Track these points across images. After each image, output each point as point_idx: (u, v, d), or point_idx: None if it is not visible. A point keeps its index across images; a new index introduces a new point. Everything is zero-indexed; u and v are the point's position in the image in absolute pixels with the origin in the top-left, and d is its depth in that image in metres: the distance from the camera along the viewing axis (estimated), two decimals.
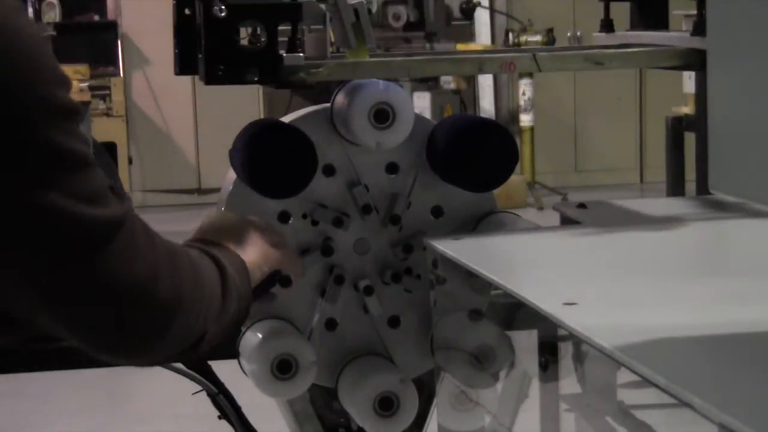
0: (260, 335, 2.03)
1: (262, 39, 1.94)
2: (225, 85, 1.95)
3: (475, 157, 2.02)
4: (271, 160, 1.99)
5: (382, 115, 1.99)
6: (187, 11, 1.98)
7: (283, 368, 1.99)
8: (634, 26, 2.41)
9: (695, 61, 2.08)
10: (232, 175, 2.10)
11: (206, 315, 1.44)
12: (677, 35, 2.18)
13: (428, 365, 2.10)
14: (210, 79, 1.92)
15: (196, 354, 1.46)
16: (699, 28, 2.09)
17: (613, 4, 2.40)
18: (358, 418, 2.03)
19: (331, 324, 2.10)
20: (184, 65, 2.02)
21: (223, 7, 1.89)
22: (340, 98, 2.04)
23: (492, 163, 2.03)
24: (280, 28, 1.97)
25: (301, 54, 1.97)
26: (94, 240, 1.28)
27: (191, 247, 1.56)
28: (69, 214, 1.26)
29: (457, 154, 2.02)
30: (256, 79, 1.94)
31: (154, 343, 1.37)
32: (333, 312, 2.10)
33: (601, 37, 2.41)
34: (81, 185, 1.27)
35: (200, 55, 1.95)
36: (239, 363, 2.07)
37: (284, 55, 1.95)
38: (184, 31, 1.99)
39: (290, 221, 2.07)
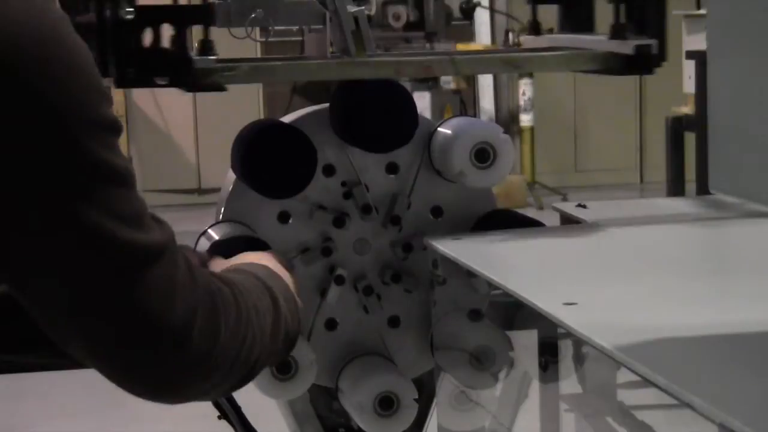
0: None
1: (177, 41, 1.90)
2: (136, 87, 1.92)
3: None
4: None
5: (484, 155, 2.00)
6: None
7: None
8: (561, 29, 2.39)
9: (614, 65, 2.07)
10: (232, 175, 2.10)
11: (253, 350, 1.36)
12: (599, 39, 2.17)
13: (428, 365, 2.11)
14: (121, 82, 1.89)
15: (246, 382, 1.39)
16: (617, 32, 2.08)
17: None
18: (358, 418, 2.03)
19: (331, 324, 2.10)
20: (102, 68, 1.99)
21: (130, 9, 1.86)
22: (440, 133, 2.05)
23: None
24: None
25: (214, 57, 1.93)
26: (132, 265, 1.22)
27: (240, 272, 1.48)
28: (108, 232, 1.20)
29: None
30: (167, 81, 1.90)
31: (181, 387, 1.30)
32: (333, 312, 2.10)
33: (529, 40, 2.40)
34: (122, 204, 1.22)
35: (111, 58, 1.91)
36: None
37: (194, 57, 1.92)
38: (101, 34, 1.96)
39: (290, 221, 2.07)
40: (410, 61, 2.04)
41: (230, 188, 2.08)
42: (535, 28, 2.40)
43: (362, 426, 2.04)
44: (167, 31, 1.92)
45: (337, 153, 2.08)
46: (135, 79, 1.89)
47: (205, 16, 1.94)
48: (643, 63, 2.03)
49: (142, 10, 1.88)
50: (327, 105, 2.09)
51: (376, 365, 2.09)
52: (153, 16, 1.90)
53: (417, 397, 2.03)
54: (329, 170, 2.08)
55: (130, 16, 1.87)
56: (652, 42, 2.02)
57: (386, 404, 2.01)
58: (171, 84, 1.91)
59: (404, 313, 2.12)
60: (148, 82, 1.90)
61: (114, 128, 1.24)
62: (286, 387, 2.00)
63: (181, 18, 1.92)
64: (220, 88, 1.95)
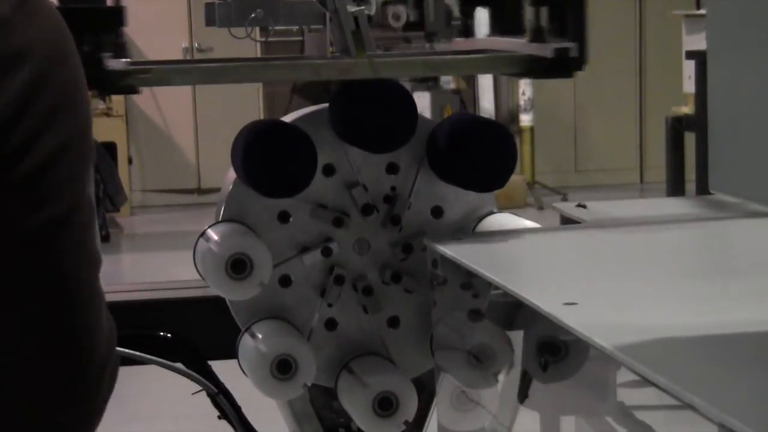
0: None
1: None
2: None
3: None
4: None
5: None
6: None
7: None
8: (492, 31, 2.38)
9: (535, 68, 2.06)
10: (232, 175, 2.10)
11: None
12: (523, 42, 2.15)
13: (428, 365, 2.10)
14: None
15: None
16: (537, 35, 2.07)
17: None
18: (358, 418, 2.03)
19: (331, 324, 2.10)
20: None
21: None
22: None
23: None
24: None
25: (127, 59, 1.92)
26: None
27: None
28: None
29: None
30: None
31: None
32: (333, 312, 2.10)
33: (460, 42, 2.40)
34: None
35: None
36: (239, 363, 2.07)
37: (106, 60, 1.91)
38: None
39: (290, 221, 2.07)
40: (330, 63, 2.03)
41: (230, 188, 2.08)
42: (465, 31, 2.40)
43: (361, 426, 2.04)
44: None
45: (337, 153, 2.08)
46: None
47: (115, 19, 1.93)
48: (562, 66, 2.02)
49: None
50: (327, 105, 2.09)
51: (376, 365, 2.08)
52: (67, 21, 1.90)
53: (417, 397, 2.03)
54: (329, 170, 2.08)
55: None
56: (572, 45, 2.01)
57: (386, 404, 2.01)
58: None
59: (404, 313, 2.11)
60: None
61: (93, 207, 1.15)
62: (285, 387, 2.00)
63: (92, 21, 1.91)
64: (133, 91, 1.94)
